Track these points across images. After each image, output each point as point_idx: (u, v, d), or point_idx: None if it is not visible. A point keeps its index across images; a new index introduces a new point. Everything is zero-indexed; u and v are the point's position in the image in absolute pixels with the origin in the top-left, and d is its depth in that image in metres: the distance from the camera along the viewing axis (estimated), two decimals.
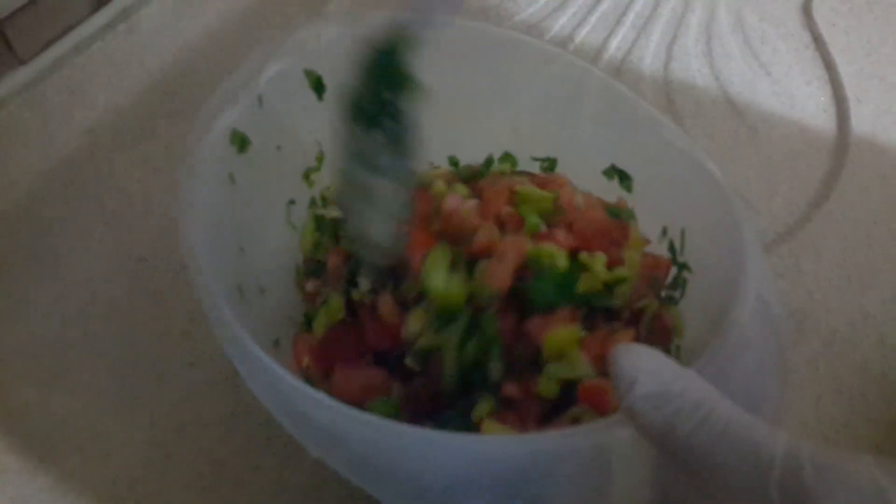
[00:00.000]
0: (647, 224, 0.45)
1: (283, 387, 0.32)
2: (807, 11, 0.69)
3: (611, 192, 0.47)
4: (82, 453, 0.44)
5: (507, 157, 0.49)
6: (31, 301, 0.50)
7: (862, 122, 0.62)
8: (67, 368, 0.47)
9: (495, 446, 0.30)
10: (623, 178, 0.46)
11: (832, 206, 0.57)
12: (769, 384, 0.33)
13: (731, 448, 0.25)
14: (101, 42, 0.63)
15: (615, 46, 0.66)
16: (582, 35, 0.67)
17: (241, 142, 0.43)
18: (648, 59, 0.65)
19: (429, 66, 0.48)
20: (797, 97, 0.63)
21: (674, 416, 0.26)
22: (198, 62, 0.64)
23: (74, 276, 0.52)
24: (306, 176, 0.48)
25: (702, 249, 0.41)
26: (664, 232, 0.44)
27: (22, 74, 0.58)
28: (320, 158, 0.49)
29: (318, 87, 0.46)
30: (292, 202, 0.47)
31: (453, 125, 0.48)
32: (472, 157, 0.49)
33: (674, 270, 0.43)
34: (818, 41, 0.66)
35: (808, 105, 0.63)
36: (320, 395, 0.31)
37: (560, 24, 0.68)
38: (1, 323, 0.49)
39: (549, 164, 0.48)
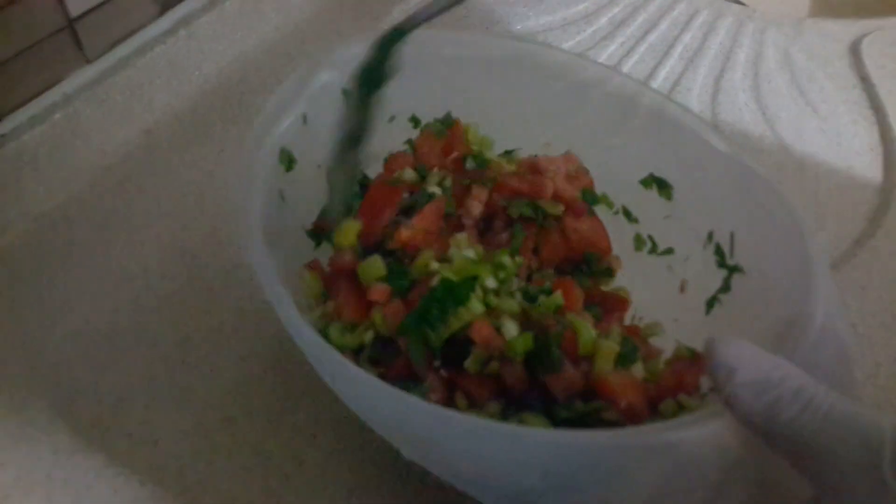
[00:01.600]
0: (691, 231, 0.45)
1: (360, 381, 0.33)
2: (855, 53, 0.70)
3: (650, 200, 0.47)
4: (131, 438, 0.44)
5: None
6: (85, 290, 0.51)
7: None
8: (120, 356, 0.48)
9: (585, 440, 0.31)
10: (662, 186, 0.46)
11: (878, 243, 0.57)
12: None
13: (837, 430, 0.26)
14: (163, 46, 0.64)
15: (663, 76, 0.67)
16: (630, 64, 0.69)
17: (288, 160, 0.44)
18: (696, 90, 0.67)
19: (484, 84, 0.50)
20: (844, 135, 0.64)
21: (776, 403, 0.27)
22: (251, 71, 0.66)
23: (128, 268, 0.53)
24: None
25: (752, 251, 0.42)
26: (710, 237, 0.44)
27: (88, 73, 0.60)
28: None
29: None
30: None
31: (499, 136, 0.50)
32: None
33: (723, 273, 0.43)
34: (866, 81, 0.67)
35: (855, 143, 0.64)
36: (415, 400, 0.33)
37: (609, 52, 0.70)
38: (56, 309, 0.50)
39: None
